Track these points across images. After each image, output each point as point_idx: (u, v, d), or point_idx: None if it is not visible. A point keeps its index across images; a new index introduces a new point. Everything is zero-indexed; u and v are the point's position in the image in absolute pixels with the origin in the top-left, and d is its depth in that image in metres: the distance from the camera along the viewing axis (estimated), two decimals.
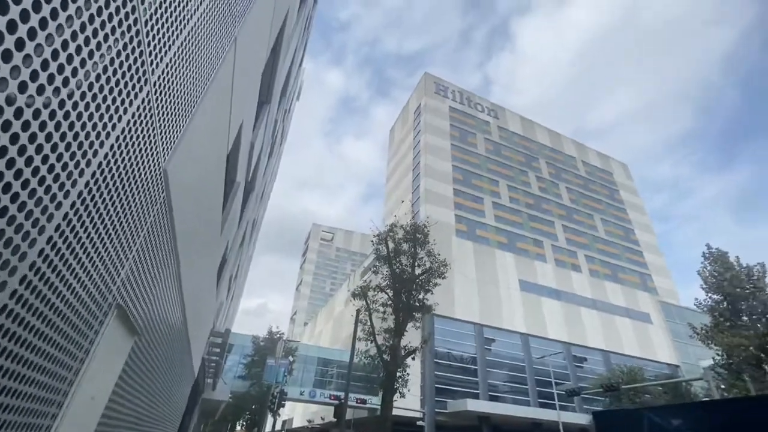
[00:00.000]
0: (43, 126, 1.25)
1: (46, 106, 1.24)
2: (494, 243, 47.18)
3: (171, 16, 2.07)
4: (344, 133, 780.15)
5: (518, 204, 53.60)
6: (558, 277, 47.63)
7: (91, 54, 1.41)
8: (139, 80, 1.86)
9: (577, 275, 49.77)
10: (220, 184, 5.60)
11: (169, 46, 2.15)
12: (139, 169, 2.18)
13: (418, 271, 17.56)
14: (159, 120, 2.28)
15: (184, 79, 2.55)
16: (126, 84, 1.74)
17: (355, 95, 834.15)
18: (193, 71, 2.70)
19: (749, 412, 2.70)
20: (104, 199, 1.82)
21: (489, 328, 39.36)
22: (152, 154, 2.34)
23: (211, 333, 13.75)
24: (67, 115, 1.36)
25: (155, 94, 2.11)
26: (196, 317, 7.75)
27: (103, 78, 1.54)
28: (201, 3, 2.54)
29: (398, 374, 16.09)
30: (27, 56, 1.10)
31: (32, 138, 1.21)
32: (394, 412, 16.32)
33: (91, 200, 1.70)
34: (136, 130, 2.00)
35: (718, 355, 20.14)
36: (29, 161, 1.23)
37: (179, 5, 2.15)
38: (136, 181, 2.19)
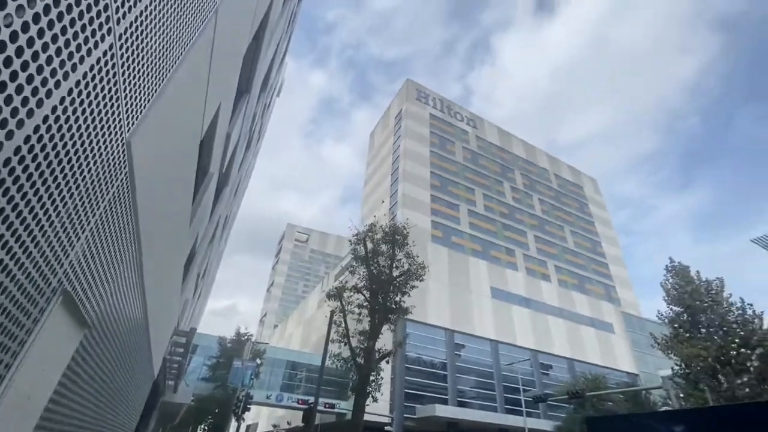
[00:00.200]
0: None
1: None
2: (468, 250, 47.79)
3: None
4: (324, 135, 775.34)
5: (493, 213, 54.63)
6: (528, 286, 48.73)
7: None
8: (100, 27, 1.61)
9: (546, 284, 51.09)
10: (191, 171, 5.26)
11: None
12: (96, 134, 1.91)
13: (395, 272, 17.38)
14: (123, 81, 2.02)
15: (155, 41, 2.29)
16: (84, 27, 1.49)
17: (338, 97, 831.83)
18: (167, 33, 2.44)
19: (752, 417, 2.69)
20: (50, 163, 1.56)
21: (460, 333, 39.69)
22: (114, 120, 2.07)
23: (174, 332, 13.07)
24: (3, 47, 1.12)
25: (120, 49, 1.86)
26: (158, 313, 7.28)
27: (54, 11, 1.29)
28: None
29: (372, 378, 15.83)
30: None
31: None
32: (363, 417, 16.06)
33: (33, 161, 1.44)
34: (95, 86, 1.74)
35: (676, 365, 20.99)
36: None
37: None
38: (93, 148, 1.92)
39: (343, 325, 16.69)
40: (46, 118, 1.43)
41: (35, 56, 1.26)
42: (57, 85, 1.43)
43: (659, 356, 50.06)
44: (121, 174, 2.44)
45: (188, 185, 5.37)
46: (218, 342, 33.55)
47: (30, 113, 1.33)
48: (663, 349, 21.40)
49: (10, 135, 1.26)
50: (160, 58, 2.46)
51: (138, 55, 2.09)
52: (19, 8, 1.12)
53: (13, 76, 1.19)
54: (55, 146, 1.54)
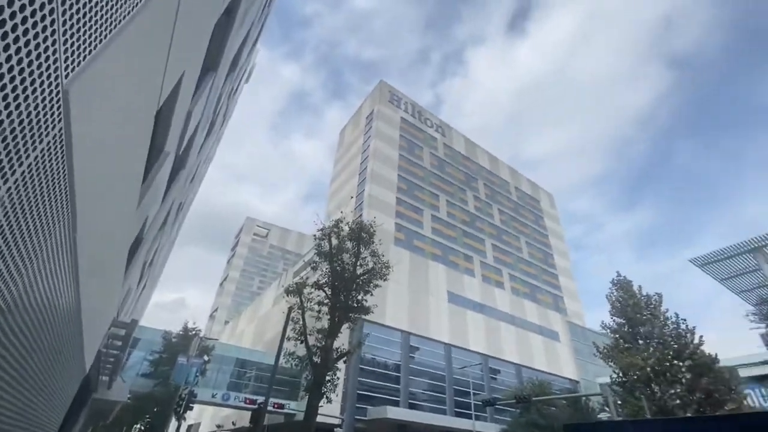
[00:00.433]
0: None
1: None
2: (429, 254, 48.45)
3: None
4: (293, 129, 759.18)
5: (455, 220, 55.82)
6: (483, 292, 50.15)
7: None
8: None
9: (500, 291, 52.85)
10: (144, 145, 4.77)
11: None
12: (23, 71, 1.56)
13: (359, 270, 17.08)
14: (62, 12, 1.68)
15: None
16: None
17: (309, 92, 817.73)
18: None
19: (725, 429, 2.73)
20: None
21: (416, 336, 40.05)
22: (47, 59, 1.72)
23: (113, 323, 12.05)
24: None
25: None
26: (94, 300, 6.59)
27: None
28: None
29: (328, 378, 15.40)
30: None
31: None
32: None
33: None
34: (22, 6, 1.40)
35: (615, 373, 22.32)
36: None
37: None
38: (17, 87, 1.57)
39: (301, 322, 16.11)
40: None
41: None
42: None
43: (599, 365, 53.18)
44: (54, 128, 2.06)
45: (139, 160, 4.87)
46: (163, 336, 31.59)
47: None
48: (604, 358, 22.67)
49: None
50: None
51: None
52: None
53: None
54: None
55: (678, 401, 18.50)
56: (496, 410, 39.66)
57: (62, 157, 2.33)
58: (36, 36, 1.55)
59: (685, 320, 20.68)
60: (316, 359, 15.29)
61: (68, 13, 1.73)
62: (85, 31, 1.95)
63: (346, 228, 17.01)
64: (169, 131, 6.48)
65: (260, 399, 24.53)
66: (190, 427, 54.03)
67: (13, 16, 1.38)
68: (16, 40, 1.46)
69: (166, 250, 27.72)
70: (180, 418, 26.68)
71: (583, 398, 28.30)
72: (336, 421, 31.07)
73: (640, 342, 21.07)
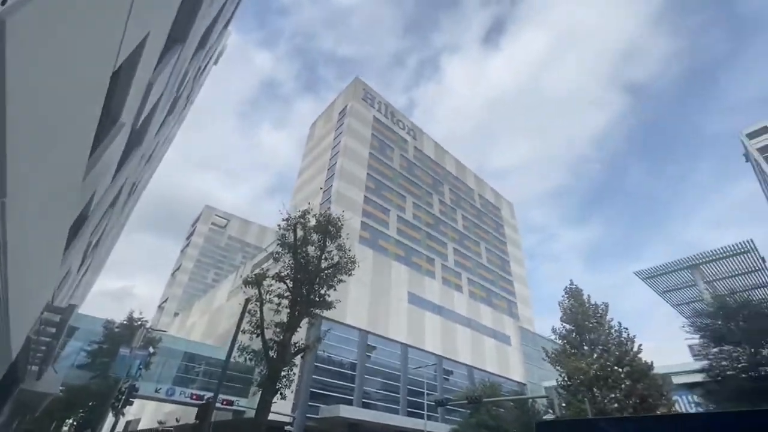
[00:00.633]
0: None
1: None
2: (392, 254, 48.67)
3: None
4: (261, 119, 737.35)
5: (420, 222, 56.48)
6: (442, 295, 51.08)
7: None
8: None
9: (458, 295, 54.07)
10: (94, 108, 4.31)
11: None
12: None
13: (324, 264, 16.65)
14: None
15: None
16: None
17: (281, 83, 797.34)
18: None
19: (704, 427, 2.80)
20: None
21: (374, 335, 40.05)
22: None
23: (46, 307, 11.01)
24: None
25: None
26: (24, 280, 5.93)
27: None
28: None
29: (283, 373, 14.85)
30: None
31: None
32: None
33: None
34: None
35: (560, 376, 23.42)
36: None
37: None
38: None
39: (259, 314, 15.45)
40: None
41: None
42: None
43: (544, 369, 55.70)
44: None
45: (89, 124, 4.40)
46: (104, 326, 29.46)
47: None
48: (552, 362, 23.73)
49: None
50: None
51: None
52: None
53: None
54: None
55: (616, 404, 19.70)
56: (447, 410, 40.48)
57: None
58: None
59: (627, 329, 22.10)
60: (272, 353, 14.70)
61: None
62: None
63: (313, 220, 16.55)
64: (126, 99, 5.96)
65: (208, 395, 23.50)
66: (128, 423, 50.86)
67: None
68: None
69: (115, 233, 25.90)
70: (118, 413, 24.98)
71: (530, 400, 29.46)
72: (287, 419, 30.36)
73: (586, 348, 22.28)
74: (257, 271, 18.02)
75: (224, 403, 28.13)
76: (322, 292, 16.33)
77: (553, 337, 24.70)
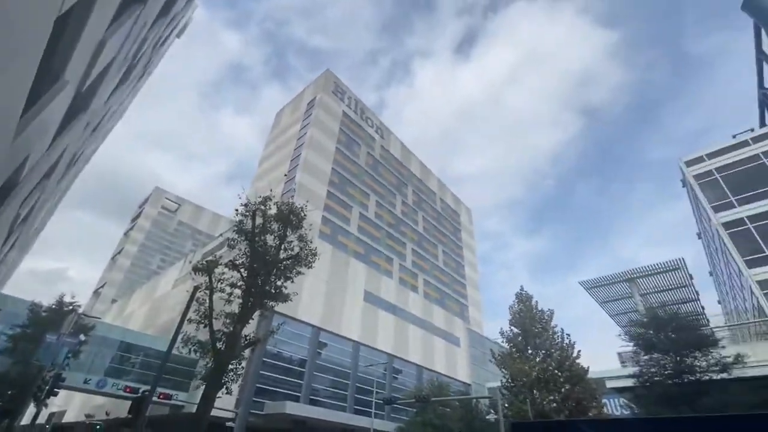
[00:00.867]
0: None
1: None
2: (351, 251, 48.35)
3: None
4: (224, 102, 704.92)
5: (381, 221, 56.59)
6: (398, 295, 51.51)
7: None
8: None
9: (414, 295, 54.79)
10: (32, 54, 3.75)
11: None
12: None
13: (283, 255, 15.94)
14: None
15: None
16: None
17: (249, 67, 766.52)
18: None
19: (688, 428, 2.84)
20: None
21: (326, 332, 39.54)
22: None
23: None
24: None
25: None
26: None
27: None
28: None
29: (231, 367, 14.03)
30: None
31: None
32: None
33: None
34: None
35: (504, 378, 24.34)
36: None
37: None
38: None
39: (208, 303, 14.51)
40: None
41: None
42: None
43: (488, 371, 57.79)
44: None
45: (23, 76, 3.82)
46: (30, 308, 26.73)
47: None
48: (498, 364, 24.61)
49: None
50: None
51: None
52: None
53: None
54: None
55: (555, 405, 20.79)
56: (394, 409, 40.86)
57: None
58: None
59: (569, 335, 23.38)
60: (220, 345, 13.87)
61: None
62: None
63: (275, 208, 15.81)
64: (72, 54, 5.31)
65: (144, 388, 21.98)
66: (52, 415, 46.63)
67: None
68: None
69: (49, 208, 23.53)
70: (40, 403, 22.75)
71: (474, 400, 30.41)
72: (229, 415, 29.20)
73: (530, 351, 23.33)
74: (213, 256, 16.94)
75: (161, 396, 26.47)
76: (279, 283, 15.58)
77: (500, 339, 25.62)
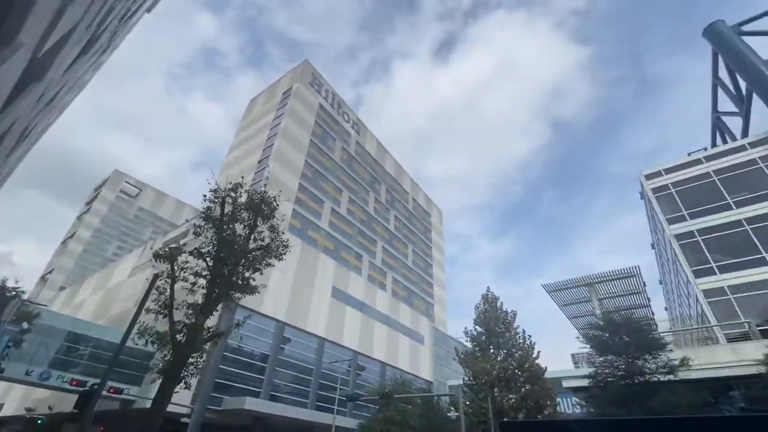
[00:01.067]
0: None
1: None
2: (321, 246, 47.77)
3: None
4: (195, 86, 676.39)
5: (353, 217, 56.27)
6: (366, 292, 51.44)
7: None
8: None
9: (382, 293, 54.91)
10: None
11: None
12: None
13: (253, 245, 15.27)
14: None
15: None
16: None
17: (224, 53, 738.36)
18: None
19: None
20: None
21: (291, 327, 38.85)
22: None
23: None
24: None
25: None
26: None
27: None
28: None
29: (192, 359, 13.36)
30: None
31: None
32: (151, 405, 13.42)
33: None
34: None
35: (466, 376, 24.86)
36: None
37: None
38: None
39: (169, 292, 13.71)
40: None
41: None
42: None
43: (450, 369, 58.95)
44: None
45: None
46: None
47: None
48: (461, 362, 25.11)
49: None
50: None
51: None
52: None
53: None
54: None
55: (513, 403, 21.46)
56: (357, 406, 40.82)
57: None
58: None
59: (530, 336, 24.19)
60: (180, 337, 13.15)
61: None
62: None
63: (245, 195, 15.16)
64: (28, 13, 4.81)
65: (93, 381, 20.68)
66: None
67: None
68: None
69: None
70: None
71: (435, 398, 30.90)
72: (185, 411, 28.06)
73: (492, 351, 23.97)
74: (173, 245, 16.00)
75: (111, 391, 25.04)
76: (247, 274, 15.04)
77: (464, 338, 26.14)
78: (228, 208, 14.74)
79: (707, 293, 21.60)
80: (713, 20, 29.86)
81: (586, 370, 20.08)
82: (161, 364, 12.81)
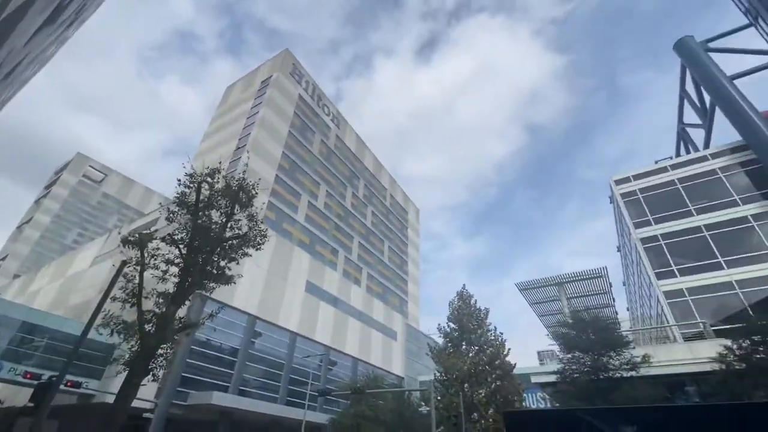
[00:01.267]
0: None
1: None
2: (296, 240, 47.07)
3: None
4: (169, 70, 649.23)
5: (330, 212, 55.74)
6: (341, 287, 51.15)
7: None
8: None
9: (356, 288, 54.77)
10: None
11: None
12: None
13: (229, 233, 14.68)
14: None
15: None
16: None
17: (200, 37, 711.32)
18: None
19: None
20: None
21: (263, 321, 38.12)
22: None
23: None
24: None
25: None
26: None
27: None
28: None
29: (161, 351, 12.71)
30: None
31: None
32: (113, 400, 12.74)
33: None
34: None
35: (438, 371, 25.16)
36: None
37: None
38: None
39: (137, 280, 12.99)
40: None
41: None
42: None
43: (421, 364, 59.64)
44: None
45: None
46: None
47: None
48: (434, 358, 25.39)
49: None
50: None
51: None
52: None
53: None
54: None
55: (483, 397, 21.89)
56: (328, 401, 40.60)
57: None
58: None
59: (502, 333, 24.74)
60: (149, 327, 12.49)
61: None
62: None
63: (223, 181, 14.54)
64: None
65: (49, 374, 19.51)
66: None
67: None
68: None
69: None
70: None
71: (407, 393, 31.12)
72: (148, 405, 27.04)
73: (464, 347, 24.37)
74: (143, 231, 15.18)
75: (69, 384, 23.74)
76: (222, 263, 14.48)
77: (436, 334, 26.43)
78: (204, 194, 14.12)
79: (668, 294, 22.76)
80: (681, 36, 31.35)
81: (551, 366, 20.78)
82: (128, 356, 12.14)
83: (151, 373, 12.30)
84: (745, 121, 25.34)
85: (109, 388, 26.16)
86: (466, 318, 24.83)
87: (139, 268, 12.94)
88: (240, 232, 14.86)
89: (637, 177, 28.80)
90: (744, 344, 15.26)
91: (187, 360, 30.84)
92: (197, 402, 29.21)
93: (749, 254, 22.24)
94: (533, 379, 22.02)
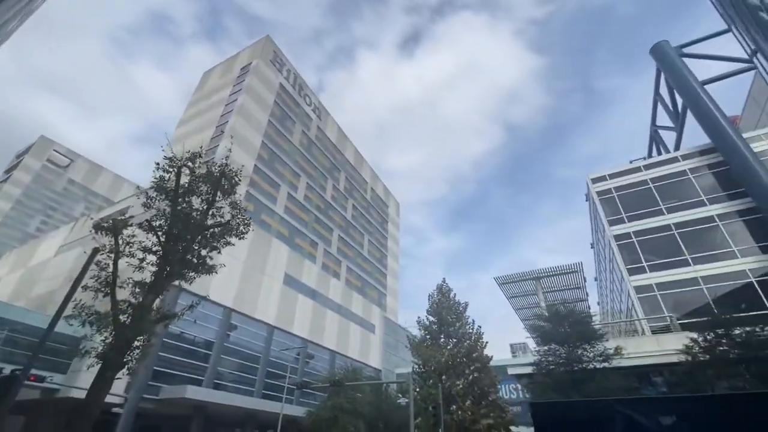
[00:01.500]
0: None
1: None
2: (275, 232, 46.25)
3: None
4: (143, 53, 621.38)
5: (310, 204, 55.02)
6: (319, 280, 50.74)
7: None
8: None
9: (335, 281, 54.47)
10: None
11: None
12: None
13: (211, 221, 14.07)
14: None
15: None
16: None
17: (177, 21, 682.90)
18: None
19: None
20: None
21: (238, 314, 37.37)
22: None
23: None
24: None
25: None
26: None
27: None
28: None
29: (137, 343, 12.10)
30: None
31: None
32: (79, 394, 12.11)
33: None
34: None
35: (416, 364, 25.37)
36: None
37: None
38: None
39: (111, 269, 12.27)
40: None
41: None
42: None
43: (399, 357, 60.12)
44: None
45: None
46: None
47: None
48: (412, 350, 25.58)
49: None
50: None
51: None
52: None
53: None
54: None
55: (460, 389, 22.24)
56: (304, 394, 40.37)
57: None
58: None
59: (480, 327, 25.15)
60: (124, 318, 11.87)
61: None
62: None
63: (204, 167, 13.90)
64: None
65: (11, 368, 18.43)
66: None
67: None
68: None
69: None
70: None
71: (384, 385, 31.34)
72: (118, 400, 26.09)
73: (443, 339, 24.67)
74: (118, 217, 14.36)
75: (31, 379, 22.55)
76: (203, 252, 13.92)
77: (414, 327, 26.63)
78: (184, 180, 13.48)
79: (638, 289, 23.71)
80: (658, 40, 32.42)
81: (526, 358, 21.28)
82: (100, 348, 11.53)
83: (126, 366, 11.75)
84: (714, 125, 26.51)
85: (75, 383, 25.05)
86: (446, 311, 25.09)
87: (113, 255, 12.27)
88: (222, 220, 14.33)
89: (612, 176, 29.75)
90: (708, 337, 16.06)
91: (160, 353, 29.90)
92: (170, 396, 28.39)
93: (714, 252, 23.41)
94: (510, 371, 22.53)
